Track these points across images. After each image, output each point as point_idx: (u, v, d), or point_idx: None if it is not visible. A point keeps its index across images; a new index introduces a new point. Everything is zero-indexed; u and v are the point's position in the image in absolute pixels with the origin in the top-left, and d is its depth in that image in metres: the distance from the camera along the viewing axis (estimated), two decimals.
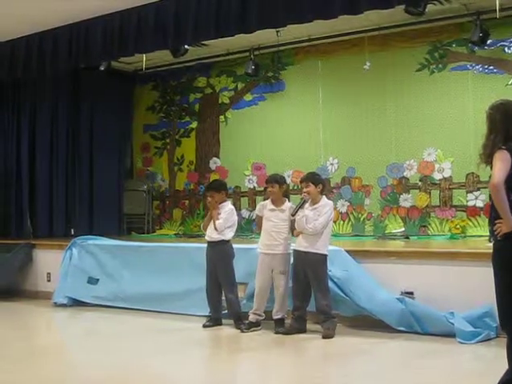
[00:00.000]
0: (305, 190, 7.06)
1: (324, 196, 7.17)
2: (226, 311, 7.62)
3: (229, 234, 7.58)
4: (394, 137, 10.58)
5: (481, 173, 9.29)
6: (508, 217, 4.27)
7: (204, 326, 7.54)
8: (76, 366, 6.27)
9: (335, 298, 7.12)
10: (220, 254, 7.53)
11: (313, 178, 7.13)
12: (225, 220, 7.50)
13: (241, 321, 7.38)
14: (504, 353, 4.34)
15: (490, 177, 4.40)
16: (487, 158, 4.47)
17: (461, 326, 6.44)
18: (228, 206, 7.66)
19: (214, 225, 7.46)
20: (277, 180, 7.40)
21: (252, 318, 7.31)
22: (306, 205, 7.03)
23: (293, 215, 7.03)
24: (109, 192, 12.49)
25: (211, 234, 7.53)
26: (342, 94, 11.10)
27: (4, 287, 9.97)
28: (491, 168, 4.40)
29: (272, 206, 7.32)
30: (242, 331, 7.23)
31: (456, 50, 10.13)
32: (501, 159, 4.34)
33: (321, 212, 6.96)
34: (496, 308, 5.65)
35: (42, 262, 10.19)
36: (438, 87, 10.24)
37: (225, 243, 7.56)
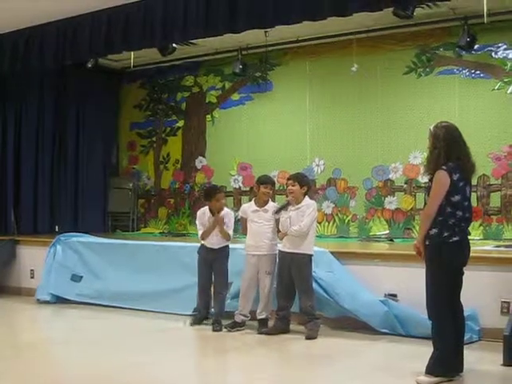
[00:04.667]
0: (290, 188, 7.09)
1: (307, 197, 7.18)
2: (213, 309, 7.61)
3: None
4: (380, 139, 10.62)
5: None
6: (421, 238, 5.22)
7: (192, 325, 7.56)
8: (59, 364, 6.25)
9: (319, 299, 7.13)
10: (221, 257, 7.53)
11: (300, 178, 7.16)
12: (230, 228, 7.55)
13: (219, 322, 7.36)
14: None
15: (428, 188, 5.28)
16: (431, 170, 5.26)
17: None
18: (226, 211, 7.66)
19: (224, 235, 7.45)
20: (274, 183, 7.61)
21: (237, 318, 7.30)
22: (290, 206, 7.05)
23: (274, 213, 7.08)
24: (94, 189, 12.46)
25: (220, 243, 7.49)
26: (330, 96, 11.12)
27: None
28: (430, 180, 5.25)
29: (255, 207, 7.34)
30: (229, 331, 7.23)
31: (443, 54, 10.17)
32: (439, 183, 5.13)
33: (304, 212, 6.97)
34: (478, 311, 5.74)
35: (26, 259, 10.16)
36: (425, 91, 10.27)
37: (227, 246, 7.60)
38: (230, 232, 7.52)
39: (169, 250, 8.74)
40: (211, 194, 7.63)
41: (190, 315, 7.74)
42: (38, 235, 11.04)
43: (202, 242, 7.56)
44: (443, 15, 9.63)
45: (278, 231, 7.13)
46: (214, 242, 7.49)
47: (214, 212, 7.49)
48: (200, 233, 7.52)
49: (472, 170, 5.34)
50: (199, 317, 7.63)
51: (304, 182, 7.13)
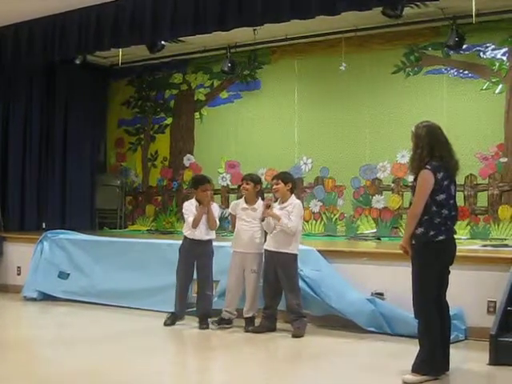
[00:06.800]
0: (274, 187, 7.14)
1: (293, 195, 7.20)
2: (195, 309, 7.56)
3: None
4: (368, 138, 10.63)
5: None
6: (407, 237, 5.25)
7: (166, 325, 7.42)
8: (45, 361, 6.23)
9: (306, 297, 7.14)
10: (207, 252, 7.48)
11: (283, 176, 7.21)
12: (216, 218, 7.53)
13: (206, 320, 7.36)
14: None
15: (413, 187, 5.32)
16: (415, 169, 5.27)
17: None
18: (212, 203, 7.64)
19: (211, 222, 7.40)
20: (252, 178, 7.44)
21: (224, 315, 7.29)
22: (275, 204, 7.06)
23: (262, 220, 7.08)
24: (81, 186, 12.42)
25: (207, 234, 7.44)
26: (318, 95, 11.12)
27: None
28: (415, 179, 5.25)
29: (245, 205, 7.33)
30: (216, 326, 7.22)
31: (432, 53, 10.19)
32: (424, 182, 5.14)
33: (289, 212, 6.98)
34: (465, 310, 5.72)
35: (13, 256, 10.13)
36: (413, 90, 10.29)
37: (212, 241, 7.56)
38: (217, 221, 7.51)
39: (156, 247, 8.73)
40: (199, 182, 7.58)
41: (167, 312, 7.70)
42: (24, 232, 10.99)
43: (188, 235, 7.45)
44: (432, 15, 9.65)
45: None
46: (202, 231, 7.41)
47: (201, 202, 7.44)
48: (190, 220, 7.35)
49: (456, 168, 5.37)
50: (175, 317, 7.53)
51: (287, 179, 7.17)
